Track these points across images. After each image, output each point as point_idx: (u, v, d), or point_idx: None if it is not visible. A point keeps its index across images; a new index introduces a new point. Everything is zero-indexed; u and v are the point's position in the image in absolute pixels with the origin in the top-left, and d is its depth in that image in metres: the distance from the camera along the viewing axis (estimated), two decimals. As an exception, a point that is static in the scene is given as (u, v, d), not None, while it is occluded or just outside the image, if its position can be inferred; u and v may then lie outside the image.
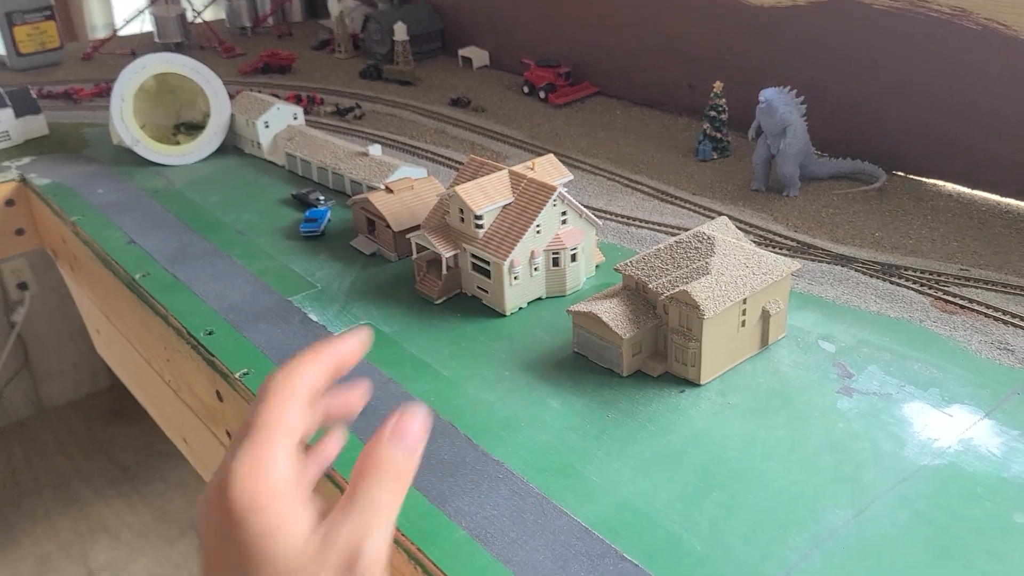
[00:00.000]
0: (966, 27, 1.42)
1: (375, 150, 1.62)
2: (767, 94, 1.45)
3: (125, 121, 1.77)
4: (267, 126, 1.79)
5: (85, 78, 2.43)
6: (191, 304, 1.28)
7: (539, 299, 1.25)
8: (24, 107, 1.94)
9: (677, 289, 1.03)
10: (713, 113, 1.67)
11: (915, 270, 1.26)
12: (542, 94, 2.05)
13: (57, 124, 2.03)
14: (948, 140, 1.50)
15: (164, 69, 1.79)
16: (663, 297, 1.05)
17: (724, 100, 1.66)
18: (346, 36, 2.51)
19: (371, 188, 1.55)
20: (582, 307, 1.09)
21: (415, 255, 1.30)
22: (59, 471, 3.45)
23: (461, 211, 1.22)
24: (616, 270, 1.13)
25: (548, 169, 1.29)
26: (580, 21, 2.10)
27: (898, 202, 1.48)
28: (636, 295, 1.10)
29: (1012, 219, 1.41)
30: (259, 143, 1.80)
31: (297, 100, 2.12)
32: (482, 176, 1.26)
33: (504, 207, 1.22)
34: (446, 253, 1.23)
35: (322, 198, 1.57)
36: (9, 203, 1.78)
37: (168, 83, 1.84)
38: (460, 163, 1.73)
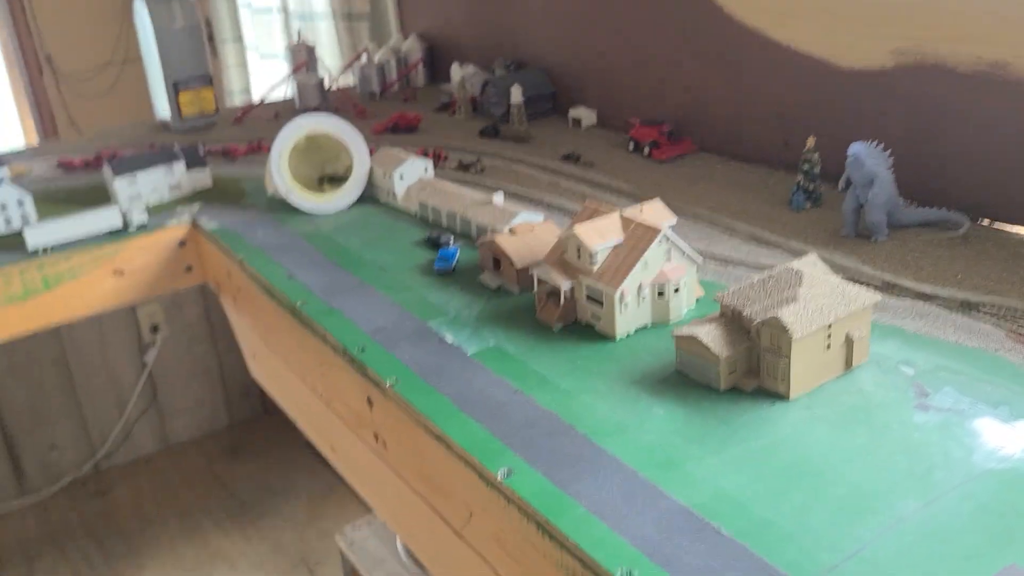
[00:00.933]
0: (1043, 87, 1.54)
1: (498, 199, 1.83)
2: (855, 148, 1.60)
3: (281, 173, 2.03)
4: (402, 178, 2.03)
5: (238, 137, 2.74)
6: (345, 327, 1.50)
7: (645, 327, 1.42)
8: (193, 162, 2.24)
9: (769, 315, 1.19)
10: (807, 166, 1.82)
11: (993, 307, 1.38)
12: (646, 150, 2.24)
13: (218, 177, 2.33)
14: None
15: (315, 130, 2.06)
16: (756, 322, 1.20)
17: (817, 154, 1.81)
18: (465, 99, 2.76)
19: (495, 231, 1.75)
20: (685, 331, 1.26)
21: (536, 287, 1.49)
22: (182, 504, 3.75)
23: (578, 249, 1.41)
24: (716, 299, 1.29)
25: (655, 213, 1.47)
26: (681, 84, 2.28)
27: (981, 248, 1.60)
28: (732, 321, 1.26)
29: (1091, 263, 1.51)
30: (395, 193, 2.03)
31: (424, 155, 2.36)
32: (597, 219, 1.45)
33: (615, 246, 1.40)
34: (564, 285, 1.41)
35: (451, 240, 1.78)
36: (182, 244, 2.06)
37: (316, 141, 2.10)
38: (572, 211, 1.92)
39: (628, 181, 2.09)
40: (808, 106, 1.98)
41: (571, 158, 2.26)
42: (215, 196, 2.22)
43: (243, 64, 4.65)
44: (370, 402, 1.39)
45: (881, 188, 1.61)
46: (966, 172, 1.71)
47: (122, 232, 2.00)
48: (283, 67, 4.41)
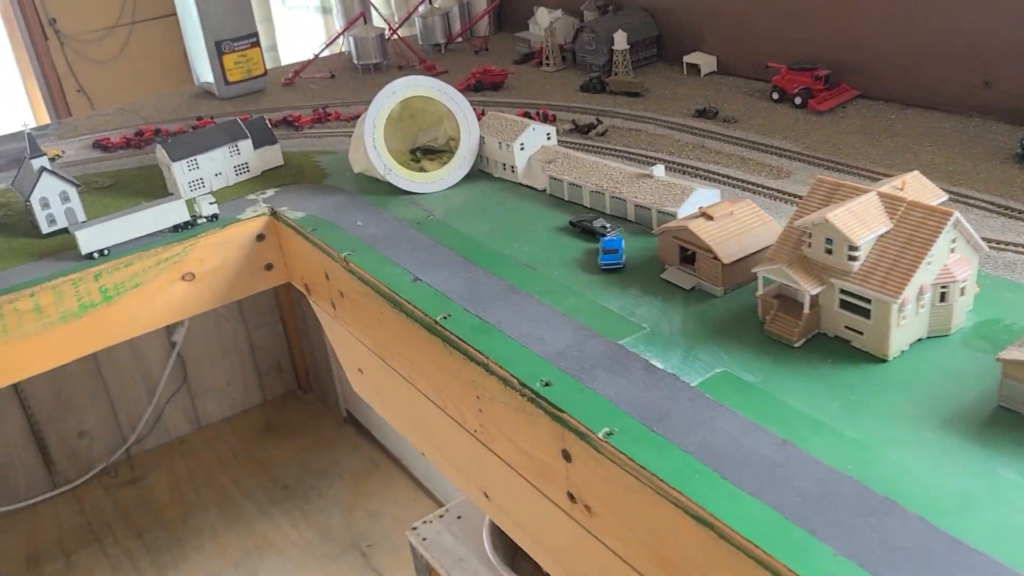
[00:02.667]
0: None
1: (658, 171, 1.48)
2: None
3: (378, 149, 1.68)
4: (523, 148, 1.68)
5: (295, 104, 2.38)
6: (511, 350, 1.17)
7: (919, 340, 1.08)
8: (262, 138, 1.89)
9: None
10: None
11: None
12: (798, 100, 1.88)
13: (287, 154, 1.97)
14: None
15: (414, 93, 1.71)
16: None
17: (1055, 99, 1.46)
18: (555, 48, 2.40)
19: (663, 213, 1.41)
20: (1016, 354, 0.92)
21: (760, 290, 1.15)
22: (221, 487, 3.50)
23: (828, 241, 1.07)
24: (1050, 309, 0.95)
25: (918, 189, 1.12)
26: (830, 19, 1.92)
27: None
28: (1084, 339, 0.93)
29: None
30: (515, 166, 1.69)
31: (527, 117, 2.01)
32: (837, 200, 1.11)
33: (880, 236, 1.06)
34: (811, 289, 1.08)
35: (608, 226, 1.44)
36: (260, 238, 1.72)
37: (410, 108, 1.74)
38: (738, 180, 1.58)
39: (789, 139, 1.74)
40: (1019, 38, 1.61)
41: (707, 114, 1.91)
42: (290, 177, 1.87)
43: (268, 19, 4.24)
44: (567, 455, 1.06)
45: None
46: None
47: (189, 228, 1.66)
48: (313, 18, 4.01)
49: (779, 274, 1.11)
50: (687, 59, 2.21)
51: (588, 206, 1.55)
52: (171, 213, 1.65)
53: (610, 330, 1.19)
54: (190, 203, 1.69)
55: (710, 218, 1.26)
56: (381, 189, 1.74)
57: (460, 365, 1.23)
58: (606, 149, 1.80)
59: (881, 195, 1.08)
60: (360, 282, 1.46)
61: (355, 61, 2.61)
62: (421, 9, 2.73)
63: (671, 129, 1.87)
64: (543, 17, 2.35)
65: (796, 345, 1.10)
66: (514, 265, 1.40)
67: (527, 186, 1.68)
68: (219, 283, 1.71)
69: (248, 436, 3.74)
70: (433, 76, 2.48)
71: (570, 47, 2.44)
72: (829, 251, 1.07)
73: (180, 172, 1.79)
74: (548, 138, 1.71)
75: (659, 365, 1.10)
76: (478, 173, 1.76)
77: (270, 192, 1.80)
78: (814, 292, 1.08)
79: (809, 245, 1.10)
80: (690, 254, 1.27)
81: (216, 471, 3.57)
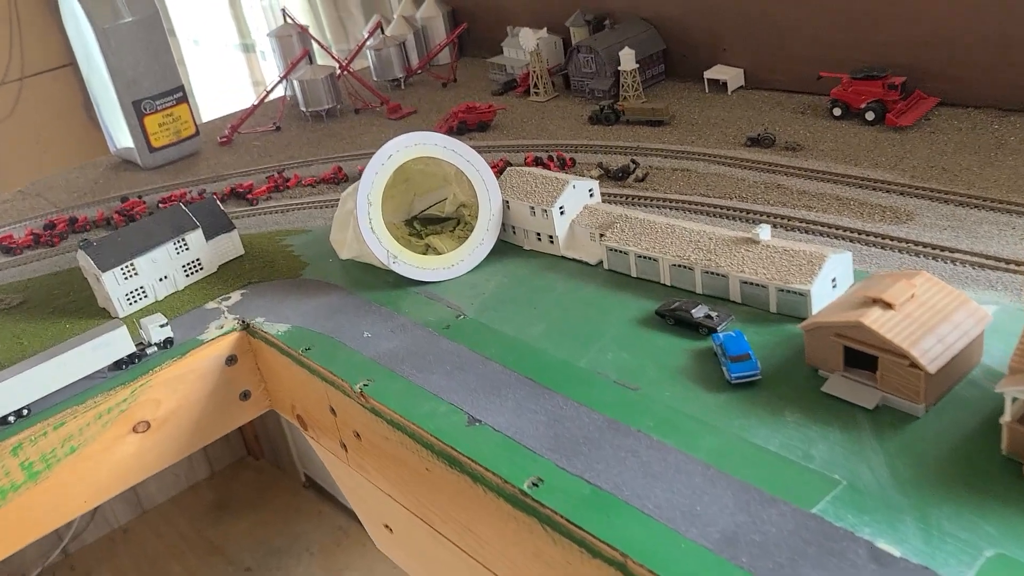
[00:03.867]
0: None
1: (764, 233, 1.13)
2: None
3: (378, 233, 1.29)
4: (562, 212, 1.31)
5: (237, 169, 1.97)
6: (653, 538, 0.80)
7: None
8: (214, 224, 1.48)
9: None
10: None
11: None
12: (870, 116, 1.55)
13: (245, 237, 1.56)
14: None
15: (417, 154, 1.32)
16: None
17: None
18: (544, 73, 2.03)
19: (791, 294, 1.06)
20: None
21: (1008, 415, 0.80)
22: None
23: (1125, 345, 0.73)
24: None
25: None
26: (893, 14, 1.60)
27: None
28: None
29: None
30: (552, 236, 1.32)
31: (537, 163, 1.64)
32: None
33: None
34: (1108, 418, 0.73)
35: (715, 314, 1.08)
36: (230, 361, 1.31)
37: (404, 171, 1.36)
38: (850, 231, 1.24)
39: (882, 167, 1.40)
40: None
41: (762, 141, 1.56)
42: (257, 271, 1.47)
43: (180, 61, 3.79)
44: None
45: None
46: None
47: (136, 362, 1.25)
48: (234, 58, 3.58)
49: (1049, 396, 0.76)
50: (708, 74, 1.87)
51: (668, 284, 1.19)
52: (110, 347, 1.23)
53: (790, 490, 0.82)
54: (131, 327, 1.28)
55: (888, 306, 0.91)
56: (381, 279, 1.35)
57: (576, 560, 0.85)
58: (653, 200, 1.44)
59: None
60: (387, 425, 1.06)
61: (303, 108, 2.21)
62: (371, 41, 2.34)
63: (724, 165, 1.53)
64: (527, 38, 1.99)
65: (1081, 495, 0.75)
66: (602, 385, 1.02)
67: (573, 260, 1.31)
68: (182, 429, 1.29)
69: (198, 516, 3.33)
70: (399, 118, 2.10)
71: (559, 71, 2.08)
72: None
73: (113, 284, 1.37)
74: (590, 195, 1.35)
75: (894, 550, 0.74)
76: (500, 245, 1.38)
77: (235, 296, 1.40)
78: (1111, 421, 0.73)
79: (1089, 350, 0.75)
80: (863, 357, 0.92)
81: (166, 560, 3.15)
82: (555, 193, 1.31)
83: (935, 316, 0.90)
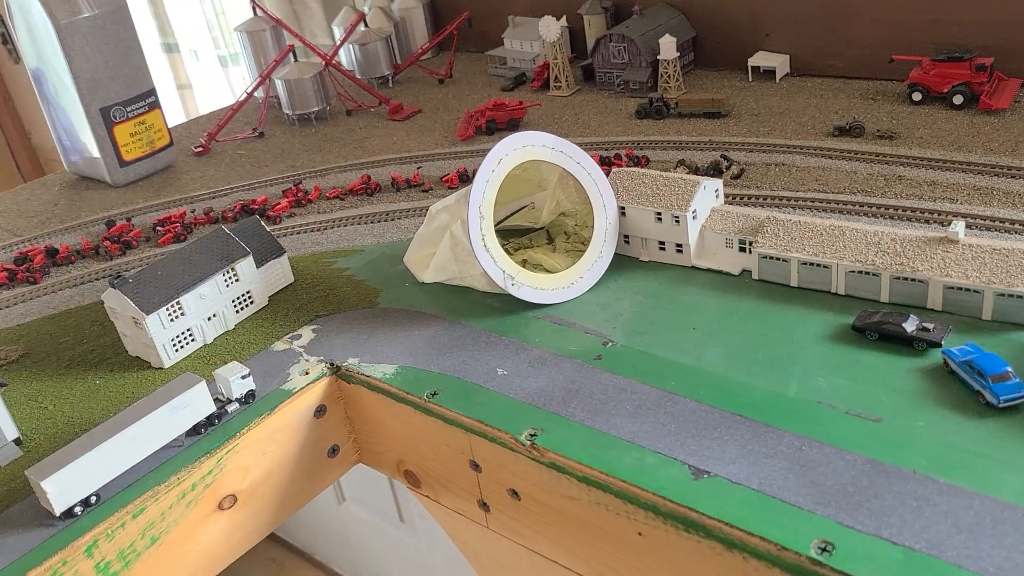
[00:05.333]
0: None
1: (959, 228, 1.01)
2: None
3: (492, 251, 1.10)
4: (695, 217, 1.15)
5: (226, 183, 1.71)
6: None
7: None
8: (263, 249, 1.25)
9: None
10: None
11: None
12: (958, 100, 1.47)
13: (291, 262, 1.34)
14: None
15: (525, 157, 1.14)
16: None
17: None
18: (565, 65, 1.87)
19: (1012, 298, 0.94)
20: None
21: None
22: None
23: None
24: None
25: None
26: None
27: None
28: None
29: None
30: (680, 245, 1.16)
31: (603, 163, 1.48)
32: None
33: None
34: None
35: (932, 326, 0.95)
36: (319, 412, 1.10)
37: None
38: (1012, 222, 1.13)
39: (998, 151, 1.32)
40: None
41: (852, 130, 1.46)
42: (317, 300, 1.25)
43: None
44: None
45: None
46: None
47: (215, 424, 1.02)
48: (186, 58, 3.24)
49: None
50: (752, 61, 1.76)
51: (841, 293, 1.06)
52: (188, 408, 0.99)
53: None
54: (219, 387, 1.04)
55: None
56: (481, 303, 1.16)
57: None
58: (760, 199, 1.31)
59: None
60: (576, 482, 0.89)
61: (287, 111, 1.97)
62: (355, 34, 2.11)
63: (822, 157, 1.41)
64: (548, 27, 1.82)
65: None
66: (834, 417, 0.88)
67: (707, 270, 1.16)
68: (270, 498, 1.07)
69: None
70: (403, 118, 1.90)
71: (579, 63, 1.92)
72: None
73: (158, 327, 1.12)
74: (716, 195, 1.20)
75: None
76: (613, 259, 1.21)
77: (305, 333, 1.18)
78: None
79: None
80: None
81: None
82: (685, 197, 1.15)
83: None
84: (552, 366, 1.03)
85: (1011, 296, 0.95)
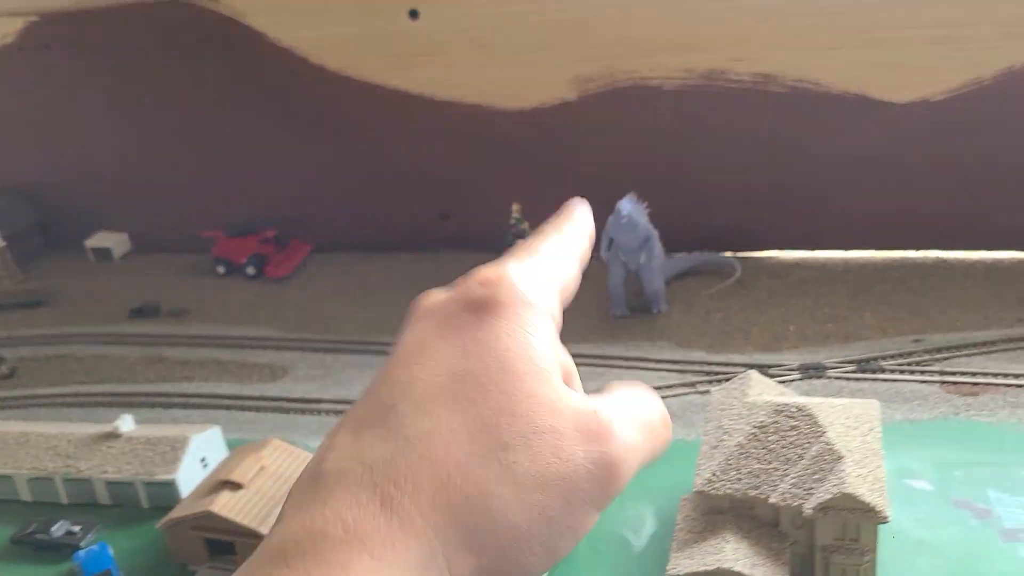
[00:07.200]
0: (771, 92, 1.34)
1: (126, 423, 1.06)
2: (626, 207, 1.22)
3: None
4: None
5: None
6: None
7: None
8: None
9: (827, 494, 0.75)
10: (514, 240, 1.40)
11: (886, 357, 1.13)
12: (251, 271, 1.59)
13: None
14: (775, 208, 1.42)
15: None
16: (810, 509, 0.76)
17: (527, 223, 1.40)
18: None
19: (156, 485, 1.00)
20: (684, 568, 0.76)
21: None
22: None
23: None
24: (697, 489, 0.81)
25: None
26: (255, 174, 1.67)
27: (766, 286, 1.35)
28: (743, 518, 0.80)
29: (879, 270, 1.35)
30: None
31: None
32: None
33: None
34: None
35: (77, 529, 0.98)
36: None
37: None
38: (230, 397, 1.23)
39: (263, 322, 1.44)
40: (469, 164, 1.54)
41: (144, 312, 1.51)
42: None
43: None
44: None
45: (657, 248, 1.27)
46: (700, 202, 1.43)
47: None
48: None
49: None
50: (90, 243, 1.77)
51: (31, 501, 1.06)
52: None
53: None
54: None
55: (237, 486, 0.90)
56: None
57: None
58: (21, 400, 1.29)
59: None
60: None
61: None
62: None
63: (106, 344, 1.44)
64: None
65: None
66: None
67: None
68: None
69: None
70: None
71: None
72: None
73: None
74: (-70, 412, 1.16)
75: None
76: None
77: None
78: None
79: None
80: (225, 544, 0.89)
81: None
82: None
83: (283, 483, 0.92)
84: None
85: (155, 483, 1.01)
